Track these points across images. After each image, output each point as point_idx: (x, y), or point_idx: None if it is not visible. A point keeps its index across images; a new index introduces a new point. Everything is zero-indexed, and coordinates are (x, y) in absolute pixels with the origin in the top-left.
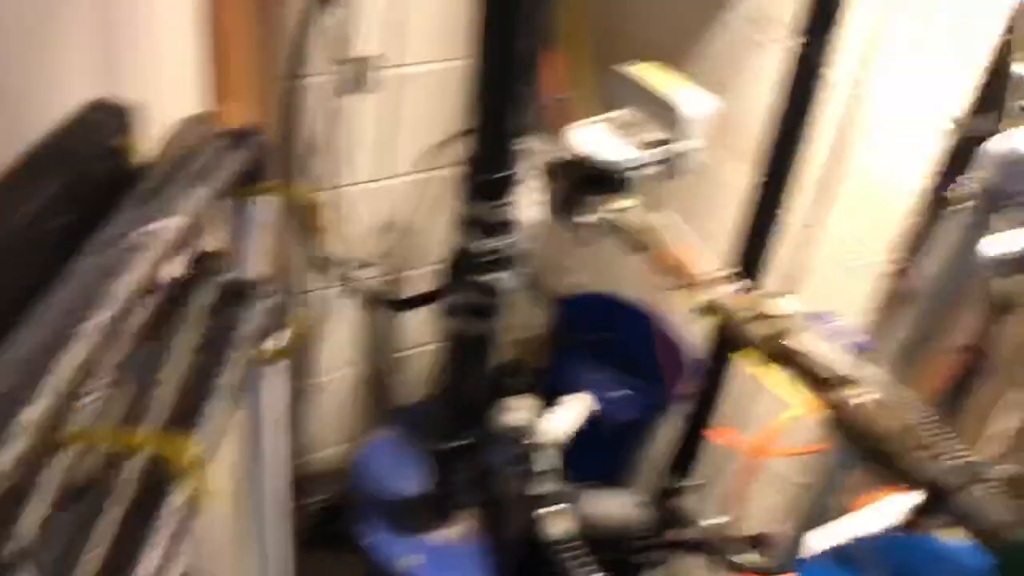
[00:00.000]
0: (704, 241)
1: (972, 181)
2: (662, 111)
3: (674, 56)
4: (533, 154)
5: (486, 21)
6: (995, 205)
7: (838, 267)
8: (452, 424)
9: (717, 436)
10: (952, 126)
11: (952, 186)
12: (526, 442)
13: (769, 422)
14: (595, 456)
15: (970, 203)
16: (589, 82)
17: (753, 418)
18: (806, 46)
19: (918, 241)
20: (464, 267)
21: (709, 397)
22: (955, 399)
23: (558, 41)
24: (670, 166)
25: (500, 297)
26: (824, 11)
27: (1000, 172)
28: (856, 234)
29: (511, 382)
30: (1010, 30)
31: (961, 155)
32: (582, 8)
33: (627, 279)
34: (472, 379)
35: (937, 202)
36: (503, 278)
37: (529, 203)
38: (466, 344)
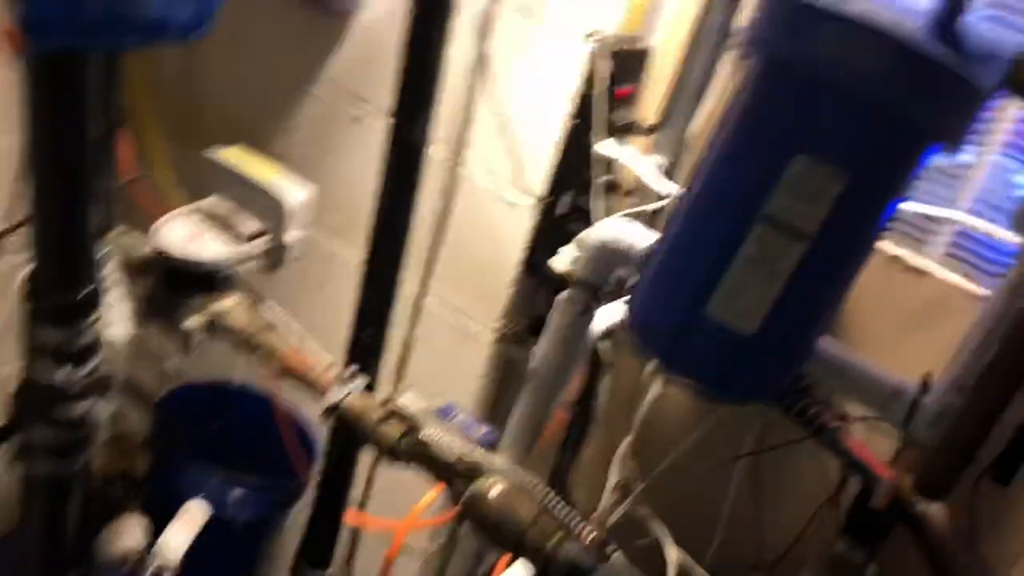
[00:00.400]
0: (320, 322)
1: (569, 261)
2: (257, 200)
3: (264, 132)
4: (115, 255)
5: (36, 97)
6: (595, 289)
7: (450, 336)
8: (40, 569)
9: (353, 519)
10: (533, 201)
11: (548, 260)
12: (141, 571)
13: (404, 501)
14: (222, 561)
15: (570, 283)
16: (166, 165)
17: (389, 497)
18: (402, 124)
19: (520, 309)
20: (37, 401)
21: (340, 482)
22: (571, 453)
23: (123, 118)
24: (272, 257)
25: (88, 430)
26: (417, 91)
27: (596, 261)
28: (463, 305)
29: (113, 501)
30: (581, 114)
31: (548, 228)
32: (148, 78)
33: (239, 361)
34: (61, 523)
35: (534, 273)
36: (90, 408)
37: (116, 316)
38: (50, 487)
